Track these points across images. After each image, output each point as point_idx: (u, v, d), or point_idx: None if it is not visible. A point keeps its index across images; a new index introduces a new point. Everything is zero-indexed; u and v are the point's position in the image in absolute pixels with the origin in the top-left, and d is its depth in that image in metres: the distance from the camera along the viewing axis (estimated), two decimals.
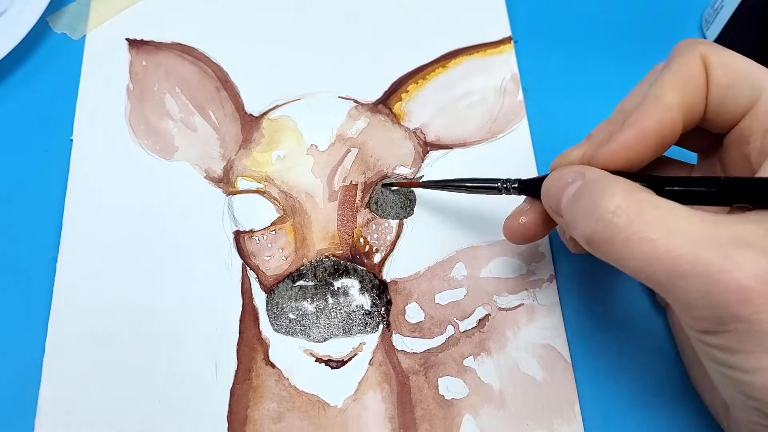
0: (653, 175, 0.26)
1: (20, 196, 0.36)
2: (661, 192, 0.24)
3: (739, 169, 0.27)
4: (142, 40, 0.40)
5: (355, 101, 0.39)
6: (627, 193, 0.23)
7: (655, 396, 0.32)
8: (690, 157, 0.31)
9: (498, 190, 0.31)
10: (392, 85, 0.39)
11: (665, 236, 0.22)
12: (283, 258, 0.34)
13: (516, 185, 0.30)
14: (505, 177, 0.30)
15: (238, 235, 0.35)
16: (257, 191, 0.36)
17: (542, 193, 0.28)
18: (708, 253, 0.21)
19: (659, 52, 0.40)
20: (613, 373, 0.32)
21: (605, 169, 0.26)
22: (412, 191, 0.36)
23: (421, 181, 0.35)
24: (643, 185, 0.24)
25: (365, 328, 0.33)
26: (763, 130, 0.25)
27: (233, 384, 0.32)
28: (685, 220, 0.22)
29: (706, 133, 0.28)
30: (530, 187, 0.29)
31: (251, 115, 0.38)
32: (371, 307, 0.33)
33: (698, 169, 0.30)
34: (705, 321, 0.22)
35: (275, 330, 0.33)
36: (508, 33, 0.41)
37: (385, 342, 0.33)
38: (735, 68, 0.26)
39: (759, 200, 0.23)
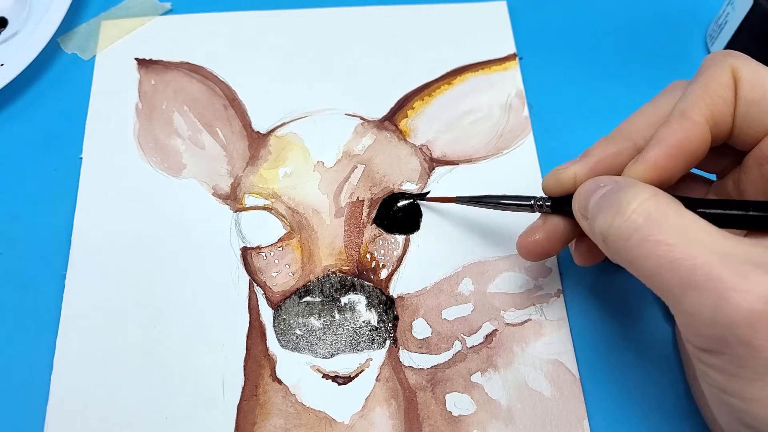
0: (688, 197, 0.25)
1: (30, 214, 0.36)
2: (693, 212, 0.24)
3: (755, 189, 0.26)
4: (150, 60, 0.41)
5: (362, 118, 0.39)
6: (652, 195, 0.23)
7: (664, 412, 0.32)
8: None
9: (531, 207, 0.30)
10: (398, 102, 0.39)
11: (683, 243, 0.21)
12: (290, 274, 0.34)
13: (549, 203, 0.30)
14: (539, 195, 0.30)
15: (245, 251, 0.35)
16: (264, 208, 0.36)
17: (574, 197, 0.27)
18: (723, 268, 0.21)
19: (664, 67, 0.41)
20: (622, 388, 0.32)
21: None
22: (419, 207, 0.36)
23: (455, 197, 0.34)
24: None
25: (372, 344, 0.33)
26: None
27: (240, 400, 0.32)
28: (706, 233, 0.22)
29: (724, 152, 0.27)
30: (562, 204, 0.29)
31: (258, 132, 0.38)
32: (378, 322, 0.33)
33: (714, 187, 0.30)
34: (708, 339, 0.21)
35: (282, 346, 0.33)
36: (513, 50, 0.41)
37: (392, 358, 0.33)
38: (764, 84, 0.25)
39: None
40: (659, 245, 0.22)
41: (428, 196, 0.36)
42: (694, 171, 0.30)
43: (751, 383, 0.21)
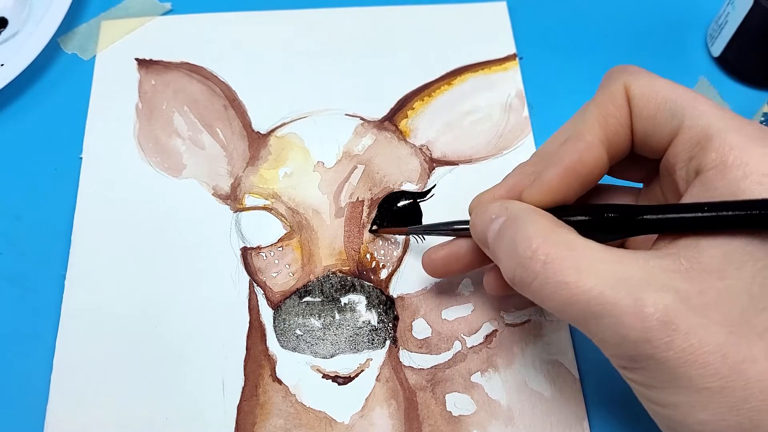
0: (580, 205, 0.26)
1: (30, 214, 0.36)
2: (595, 220, 0.25)
3: (673, 196, 0.26)
4: (151, 60, 0.41)
5: (362, 118, 0.39)
6: (543, 237, 0.24)
7: None
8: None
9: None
10: (398, 102, 0.39)
11: (577, 279, 0.22)
12: (290, 274, 0.34)
13: (462, 225, 0.30)
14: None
15: (245, 251, 0.35)
16: (264, 208, 0.36)
17: (470, 228, 0.28)
18: (616, 294, 0.22)
19: (664, 67, 0.41)
20: (622, 388, 0.32)
21: None
22: (419, 207, 0.36)
23: (407, 228, 0.34)
24: (571, 218, 0.25)
25: (372, 344, 0.33)
26: (687, 158, 0.24)
27: (240, 400, 0.32)
28: (599, 261, 0.23)
29: (642, 162, 0.28)
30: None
31: (258, 132, 0.38)
32: (378, 323, 0.33)
33: (643, 195, 0.30)
34: (620, 358, 0.23)
35: (282, 346, 0.33)
36: (512, 50, 0.41)
37: (392, 358, 0.33)
38: (656, 98, 0.25)
39: (675, 227, 0.23)
40: (558, 286, 0.23)
41: (379, 229, 0.35)
42: (622, 183, 0.30)
43: (664, 391, 0.22)
